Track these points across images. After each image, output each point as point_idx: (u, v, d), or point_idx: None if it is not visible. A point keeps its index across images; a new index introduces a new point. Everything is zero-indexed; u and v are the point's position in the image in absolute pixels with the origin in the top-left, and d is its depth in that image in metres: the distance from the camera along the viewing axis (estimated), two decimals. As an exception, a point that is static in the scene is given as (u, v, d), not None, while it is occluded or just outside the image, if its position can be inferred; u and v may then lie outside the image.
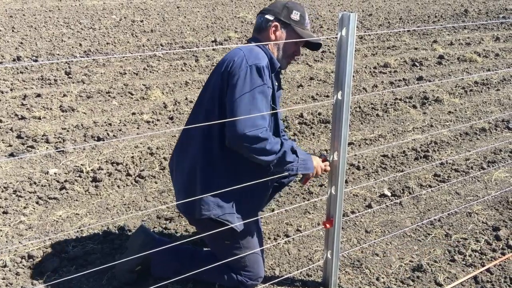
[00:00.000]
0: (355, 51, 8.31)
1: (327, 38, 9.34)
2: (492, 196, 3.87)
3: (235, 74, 2.32)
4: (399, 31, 10.19)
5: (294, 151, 2.46)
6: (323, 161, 2.59)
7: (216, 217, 2.43)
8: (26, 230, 3.31)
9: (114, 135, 4.82)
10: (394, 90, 6.30)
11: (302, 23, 2.58)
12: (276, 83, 2.60)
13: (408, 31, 10.29)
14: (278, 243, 3.22)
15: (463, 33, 10.34)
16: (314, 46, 2.66)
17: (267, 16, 2.56)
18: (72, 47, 8.27)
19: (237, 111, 2.25)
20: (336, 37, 2.28)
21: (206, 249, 2.92)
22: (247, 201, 2.51)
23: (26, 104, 5.53)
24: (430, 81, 6.94)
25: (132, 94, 6.07)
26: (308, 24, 2.63)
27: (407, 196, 3.85)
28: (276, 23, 2.54)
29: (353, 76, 2.36)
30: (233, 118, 2.25)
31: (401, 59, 8.11)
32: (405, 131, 5.21)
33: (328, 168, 2.55)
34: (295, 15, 2.55)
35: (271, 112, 2.45)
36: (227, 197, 2.43)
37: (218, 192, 2.39)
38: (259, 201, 2.63)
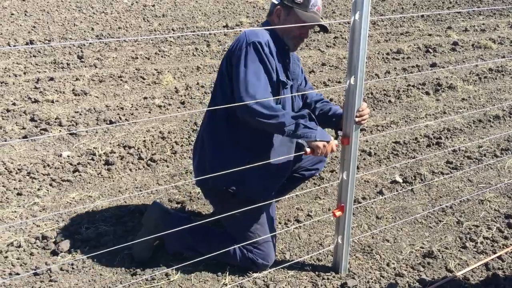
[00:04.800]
0: (368, 37, 8.24)
1: (340, 24, 9.25)
2: (505, 183, 3.84)
3: (236, 53, 2.46)
4: (413, 17, 10.06)
5: (312, 119, 2.49)
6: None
7: (223, 187, 2.62)
8: (40, 211, 3.36)
9: (126, 119, 4.85)
10: (407, 76, 6.24)
11: (306, 5, 2.54)
12: (288, 60, 2.70)
13: (422, 16, 10.15)
14: (289, 228, 3.23)
15: (478, 20, 10.18)
16: (324, 27, 2.65)
17: (274, 0, 2.63)
18: (84, 31, 8.28)
19: (238, 81, 2.39)
20: (349, 22, 2.25)
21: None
22: (255, 172, 2.56)
23: (39, 88, 5.56)
24: (443, 67, 6.86)
25: (144, 79, 6.08)
26: (315, 5, 2.58)
27: (419, 183, 3.83)
28: (280, 7, 2.59)
29: (366, 62, 2.33)
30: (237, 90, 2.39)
31: (414, 45, 8.01)
32: (417, 118, 5.17)
33: (335, 148, 2.53)
34: None
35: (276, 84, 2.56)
36: (234, 168, 2.51)
37: (225, 164, 2.54)
38: (268, 174, 2.68)
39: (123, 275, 2.76)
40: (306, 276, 2.77)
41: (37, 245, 2.98)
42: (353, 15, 2.21)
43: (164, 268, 2.76)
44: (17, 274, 2.72)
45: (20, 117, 4.81)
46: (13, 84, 5.67)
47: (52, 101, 5.22)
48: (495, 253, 2.98)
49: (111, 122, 4.75)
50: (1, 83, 5.64)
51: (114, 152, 4.16)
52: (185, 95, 5.58)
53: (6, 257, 2.86)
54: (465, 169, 4.05)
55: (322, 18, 3.02)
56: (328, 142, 2.45)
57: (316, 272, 2.79)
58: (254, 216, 2.71)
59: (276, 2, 2.60)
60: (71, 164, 3.96)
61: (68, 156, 4.08)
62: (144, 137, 4.47)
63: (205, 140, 2.69)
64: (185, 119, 4.95)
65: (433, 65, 6.95)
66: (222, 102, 2.52)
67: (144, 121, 4.83)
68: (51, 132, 4.52)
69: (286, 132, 2.40)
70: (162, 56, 7.08)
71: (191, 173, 3.91)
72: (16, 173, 3.80)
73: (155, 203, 2.95)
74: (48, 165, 3.92)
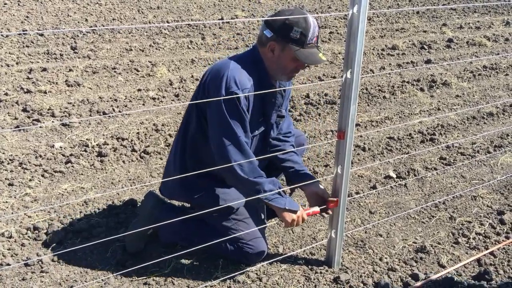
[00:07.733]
0: (363, 32, 8.20)
1: (335, 19, 9.24)
2: (498, 180, 3.85)
3: (212, 94, 2.39)
4: (408, 13, 10.07)
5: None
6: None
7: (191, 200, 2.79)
8: (32, 202, 3.33)
9: (119, 111, 4.81)
10: (401, 71, 6.24)
11: (303, 41, 2.38)
12: (274, 99, 2.64)
13: (418, 13, 10.16)
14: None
15: (473, 17, 10.20)
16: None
17: (266, 33, 2.44)
18: (78, 22, 8.21)
19: (215, 142, 2.44)
20: (345, 17, 2.24)
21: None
22: (218, 186, 2.70)
23: (32, 78, 5.51)
24: (438, 64, 6.87)
25: (138, 71, 6.04)
26: (313, 38, 2.42)
27: (412, 178, 3.84)
28: (274, 42, 2.42)
29: (361, 57, 2.32)
30: (217, 149, 2.46)
31: (409, 41, 8.02)
32: (411, 114, 5.18)
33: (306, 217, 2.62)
34: (295, 33, 2.36)
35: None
36: (200, 183, 2.67)
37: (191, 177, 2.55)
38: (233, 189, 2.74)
39: (115, 266, 2.74)
40: (299, 269, 2.77)
41: (29, 236, 2.96)
42: (351, 8, 2.19)
43: (156, 261, 2.74)
44: (8, 264, 2.69)
45: (12, 107, 4.77)
46: (6, 74, 5.62)
47: (45, 92, 5.17)
48: (487, 249, 2.99)
49: (104, 114, 4.71)
50: (-7, 72, 5.59)
51: (107, 144, 4.13)
52: (179, 88, 5.55)
53: (-3, 247, 2.83)
54: (458, 165, 4.07)
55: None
56: (296, 211, 2.57)
57: (309, 266, 2.79)
58: (234, 215, 2.72)
59: (269, 36, 2.42)
60: (63, 155, 3.93)
61: (61, 147, 4.05)
62: (138, 129, 4.44)
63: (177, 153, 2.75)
64: (179, 111, 4.93)
65: (428, 61, 6.96)
66: (197, 130, 2.60)
67: (137, 113, 4.80)
68: (44, 122, 4.48)
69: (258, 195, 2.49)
70: (156, 49, 7.04)
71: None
72: (8, 163, 3.76)
73: (150, 193, 2.94)
74: (40, 156, 3.89)
